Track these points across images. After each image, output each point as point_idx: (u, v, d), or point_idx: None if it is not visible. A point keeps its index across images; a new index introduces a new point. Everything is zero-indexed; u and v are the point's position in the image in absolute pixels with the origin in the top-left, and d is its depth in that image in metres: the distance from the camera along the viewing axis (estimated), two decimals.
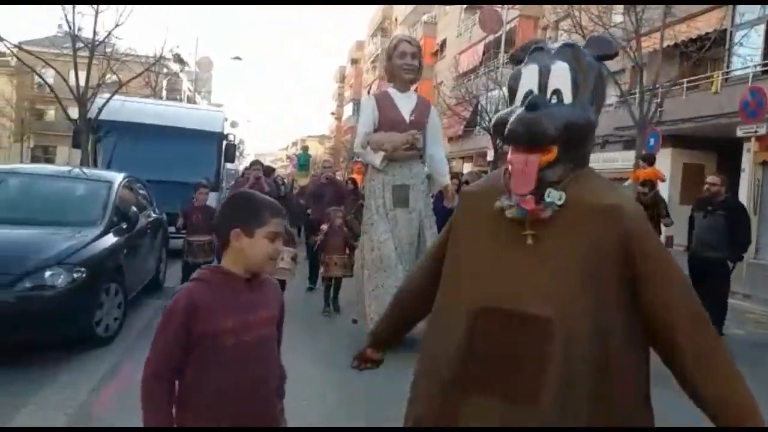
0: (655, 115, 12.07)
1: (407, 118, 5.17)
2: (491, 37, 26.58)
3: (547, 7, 23.19)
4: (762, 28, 14.07)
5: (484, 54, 29.80)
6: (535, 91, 1.53)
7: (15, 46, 13.51)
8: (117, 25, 13.42)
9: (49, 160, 42.95)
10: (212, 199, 8.17)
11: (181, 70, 34.22)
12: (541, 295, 1.47)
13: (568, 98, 1.51)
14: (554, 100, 1.52)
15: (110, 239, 5.15)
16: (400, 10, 47.92)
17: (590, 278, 1.46)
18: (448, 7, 34.70)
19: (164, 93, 28.04)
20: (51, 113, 46.50)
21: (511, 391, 1.45)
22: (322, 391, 4.01)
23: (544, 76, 1.54)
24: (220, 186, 11.53)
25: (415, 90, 5.68)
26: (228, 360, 1.63)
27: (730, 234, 6.20)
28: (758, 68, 14.25)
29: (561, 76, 1.53)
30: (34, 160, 39.96)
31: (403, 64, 5.19)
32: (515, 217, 1.51)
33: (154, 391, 1.61)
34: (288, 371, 1.90)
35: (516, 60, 1.69)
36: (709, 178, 6.48)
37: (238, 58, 32.15)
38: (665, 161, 18.86)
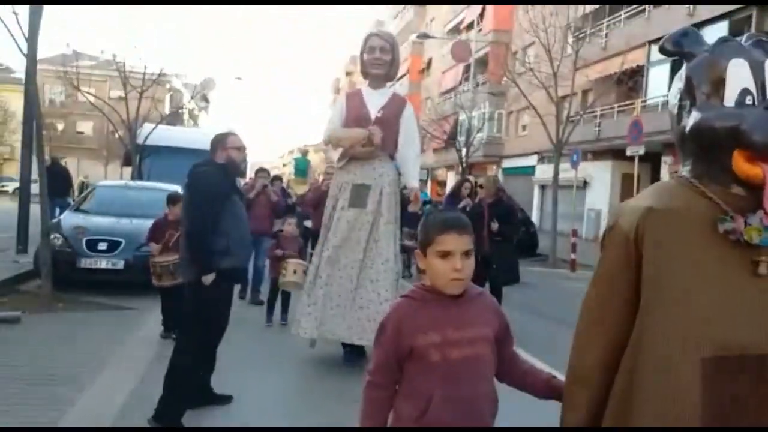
0: (570, 137, 15.21)
1: (374, 114, 4.94)
2: (471, 60, 29.78)
3: (516, 33, 26.36)
4: (668, 65, 17.34)
5: (463, 74, 33.23)
6: (753, 89, 1.37)
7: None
8: (161, 75, 16.89)
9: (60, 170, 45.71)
10: None
11: (204, 108, 36.65)
12: None
13: None
14: None
15: None
16: (391, 29, 51.22)
17: None
18: (433, 30, 38.01)
19: (167, 108, 31.43)
20: (60, 127, 49.51)
21: None
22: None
23: (758, 73, 1.37)
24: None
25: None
26: (435, 375, 1.68)
27: None
28: (666, 98, 17.50)
29: None
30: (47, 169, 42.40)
31: (372, 59, 5.02)
32: (762, 242, 1.30)
33: (371, 399, 1.75)
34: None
35: (668, 53, 1.53)
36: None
37: (239, 78, 35.34)
38: (606, 171, 22.23)
